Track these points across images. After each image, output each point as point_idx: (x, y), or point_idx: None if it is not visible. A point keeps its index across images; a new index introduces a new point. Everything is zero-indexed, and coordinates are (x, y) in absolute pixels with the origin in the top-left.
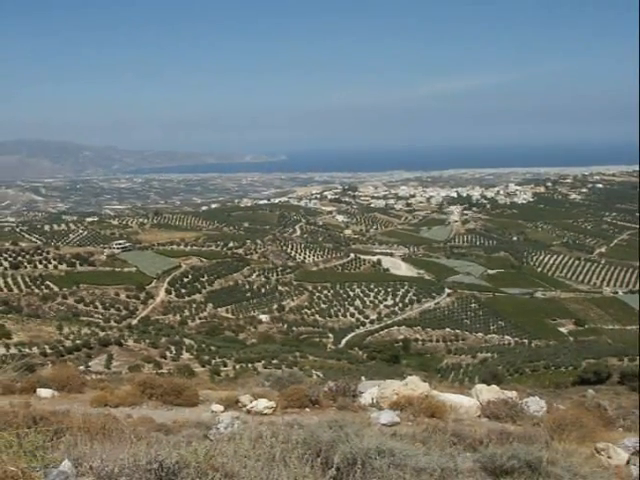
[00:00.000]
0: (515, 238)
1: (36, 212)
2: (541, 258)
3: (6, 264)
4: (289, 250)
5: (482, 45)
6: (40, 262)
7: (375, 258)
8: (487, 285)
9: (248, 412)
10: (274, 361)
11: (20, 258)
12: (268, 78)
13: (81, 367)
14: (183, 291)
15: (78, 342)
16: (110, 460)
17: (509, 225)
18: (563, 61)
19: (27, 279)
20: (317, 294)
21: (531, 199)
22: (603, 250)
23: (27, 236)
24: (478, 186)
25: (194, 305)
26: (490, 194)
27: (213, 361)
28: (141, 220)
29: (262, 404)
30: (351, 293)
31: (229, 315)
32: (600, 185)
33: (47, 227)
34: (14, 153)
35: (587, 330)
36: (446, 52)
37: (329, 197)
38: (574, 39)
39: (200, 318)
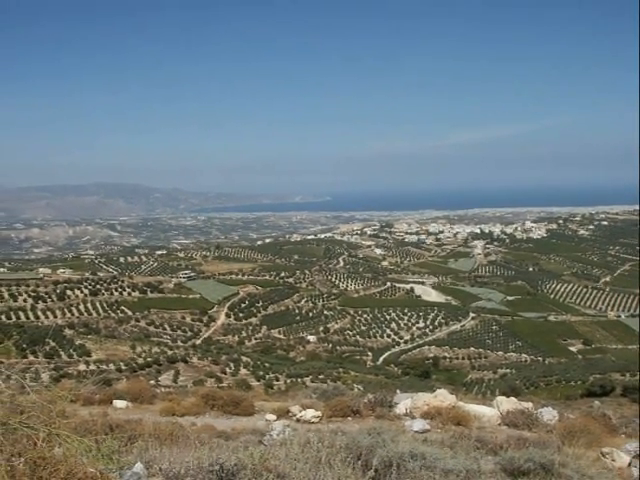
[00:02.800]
0: (531, 269)
1: (112, 246)
2: (554, 286)
3: (86, 291)
4: (333, 279)
5: (501, 101)
6: (116, 289)
7: (408, 286)
8: (506, 310)
9: (297, 421)
10: (320, 376)
11: (98, 286)
12: (315, 128)
13: (152, 381)
14: (241, 315)
15: (149, 359)
16: (177, 462)
17: (526, 257)
18: (572, 114)
19: (105, 304)
20: (358, 317)
21: (545, 234)
22: (608, 279)
23: (105, 267)
24: (499, 223)
25: (250, 327)
26: (509, 230)
27: (267, 376)
28: (204, 253)
29: (310, 414)
30: (387, 317)
31: (281, 336)
32: (605, 222)
33: (122, 259)
34: (93, 194)
35: (594, 349)
36: (470, 106)
37: (368, 233)
38: (582, 95)
39: (255, 338)
